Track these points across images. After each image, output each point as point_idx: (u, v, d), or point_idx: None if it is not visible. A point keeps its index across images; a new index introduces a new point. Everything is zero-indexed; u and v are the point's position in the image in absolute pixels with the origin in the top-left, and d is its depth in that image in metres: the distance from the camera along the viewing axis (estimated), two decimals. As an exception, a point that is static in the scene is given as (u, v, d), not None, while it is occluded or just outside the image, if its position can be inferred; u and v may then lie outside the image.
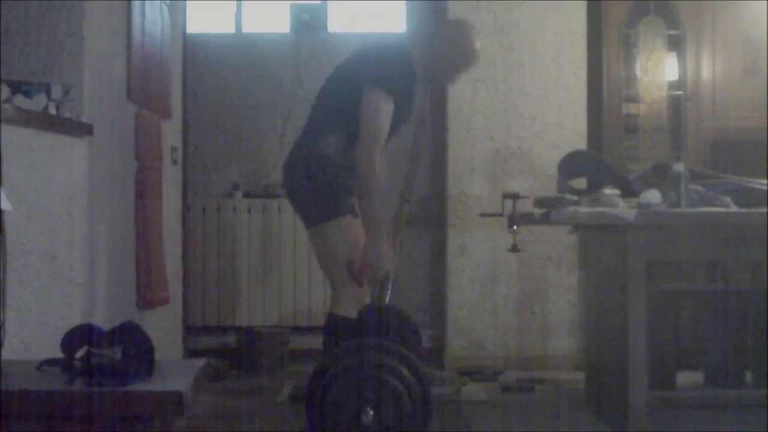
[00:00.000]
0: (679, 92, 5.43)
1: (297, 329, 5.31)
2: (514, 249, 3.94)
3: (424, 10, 5.68)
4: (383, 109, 3.40)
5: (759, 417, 3.67)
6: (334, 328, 3.48)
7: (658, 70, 5.41)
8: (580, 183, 4.38)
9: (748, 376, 4.14)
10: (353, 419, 3.11)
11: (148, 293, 4.16)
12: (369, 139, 3.38)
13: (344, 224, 3.45)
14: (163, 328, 4.54)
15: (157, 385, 1.96)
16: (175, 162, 4.88)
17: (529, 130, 5.14)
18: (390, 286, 3.72)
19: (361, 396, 3.11)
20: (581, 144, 5.07)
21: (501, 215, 4.01)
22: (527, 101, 5.14)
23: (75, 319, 3.09)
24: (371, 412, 3.10)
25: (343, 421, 3.12)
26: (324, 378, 3.18)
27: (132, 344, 2.03)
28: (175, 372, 2.11)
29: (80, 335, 2.10)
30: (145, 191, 4.16)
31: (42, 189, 3.04)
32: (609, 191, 3.70)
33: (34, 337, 2.92)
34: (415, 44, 3.68)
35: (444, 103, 5.22)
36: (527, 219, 3.92)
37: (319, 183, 3.47)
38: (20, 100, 3.04)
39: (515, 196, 3.94)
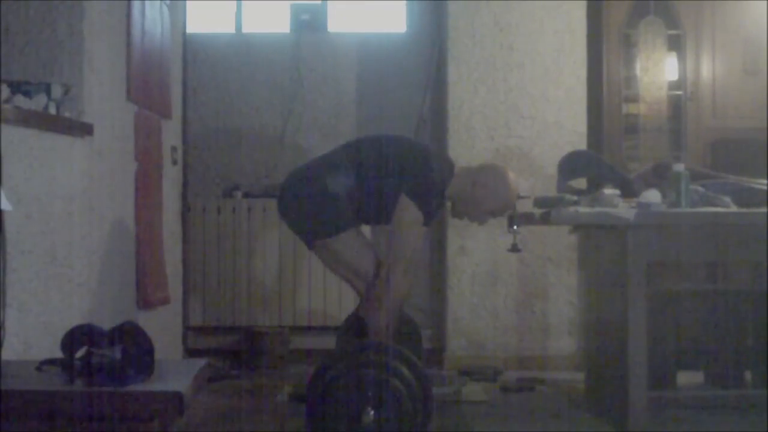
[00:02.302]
0: (679, 92, 5.43)
1: (297, 329, 5.31)
2: (514, 249, 3.94)
3: (424, 10, 5.68)
4: (417, 228, 3.56)
5: (759, 417, 3.67)
6: (361, 330, 3.62)
7: (658, 70, 5.41)
8: (580, 183, 4.37)
9: (748, 376, 4.14)
10: (353, 419, 3.11)
11: (148, 293, 4.16)
12: (397, 255, 3.54)
13: (348, 237, 3.60)
14: (163, 328, 4.54)
15: (157, 385, 1.96)
16: (175, 162, 4.88)
17: (529, 130, 5.13)
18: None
19: (362, 396, 3.12)
20: (581, 144, 5.07)
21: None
22: (527, 101, 5.14)
23: (75, 319, 3.08)
24: (371, 412, 3.10)
25: (344, 421, 3.12)
26: (324, 378, 3.18)
27: (132, 344, 2.03)
28: (175, 372, 2.11)
29: (80, 335, 2.10)
30: (145, 191, 4.16)
31: (42, 189, 3.04)
32: (609, 191, 3.70)
33: (34, 337, 2.93)
34: (459, 173, 3.77)
35: (444, 103, 5.23)
36: (527, 219, 3.92)
37: (320, 206, 3.59)
38: (20, 100, 3.05)
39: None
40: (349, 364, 3.19)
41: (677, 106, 5.43)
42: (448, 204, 3.84)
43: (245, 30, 5.82)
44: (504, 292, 5.11)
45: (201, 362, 2.24)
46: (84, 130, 3.35)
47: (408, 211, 3.54)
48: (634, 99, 5.43)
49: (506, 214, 3.83)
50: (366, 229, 4.01)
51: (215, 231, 5.39)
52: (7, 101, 2.96)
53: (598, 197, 3.69)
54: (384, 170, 3.61)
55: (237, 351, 5.26)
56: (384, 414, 3.11)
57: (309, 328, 5.31)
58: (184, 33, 5.14)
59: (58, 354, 2.10)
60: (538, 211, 3.86)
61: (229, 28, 5.82)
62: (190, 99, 5.36)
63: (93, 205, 3.49)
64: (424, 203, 3.56)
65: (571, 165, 4.17)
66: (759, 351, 4.04)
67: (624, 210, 3.59)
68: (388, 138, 3.86)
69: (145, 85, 4.18)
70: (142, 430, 1.89)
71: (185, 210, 5.16)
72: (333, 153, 3.76)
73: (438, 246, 5.41)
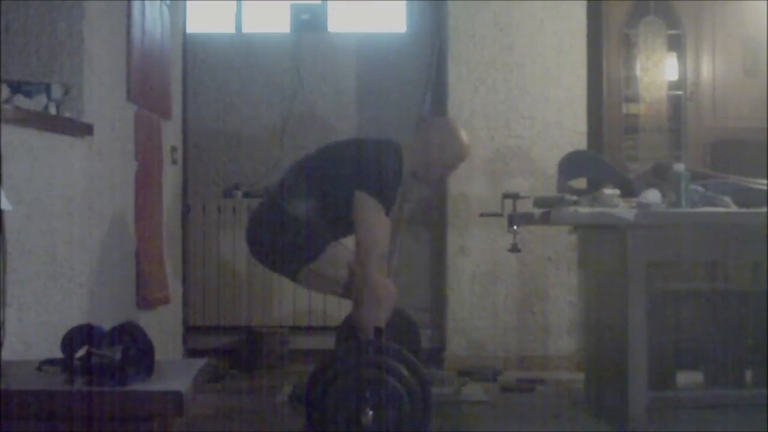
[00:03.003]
0: (679, 92, 5.43)
1: (297, 329, 5.31)
2: (514, 249, 3.94)
3: (424, 10, 5.69)
4: (379, 220, 3.54)
5: (759, 417, 3.67)
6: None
7: (658, 70, 5.41)
8: (580, 183, 4.38)
9: (748, 376, 4.14)
10: (353, 419, 3.11)
11: (148, 293, 4.15)
12: (366, 251, 3.52)
13: (327, 256, 3.59)
14: (163, 328, 4.54)
15: (157, 385, 1.96)
16: (175, 162, 4.88)
17: (529, 130, 5.14)
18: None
19: (361, 396, 3.12)
20: (581, 144, 5.07)
21: (501, 215, 4.01)
22: (527, 101, 5.14)
23: (75, 319, 3.08)
24: (371, 413, 3.10)
25: (343, 421, 3.12)
26: (323, 378, 3.18)
27: (132, 344, 2.03)
28: (175, 372, 2.11)
29: (80, 335, 2.10)
30: (145, 191, 4.16)
31: (42, 189, 3.04)
32: (609, 191, 3.70)
33: (34, 337, 2.92)
34: (408, 146, 3.75)
35: (444, 103, 5.23)
36: (527, 219, 3.92)
37: (292, 237, 3.59)
38: (20, 100, 3.05)
39: (515, 196, 3.94)
40: (348, 364, 3.19)
41: (677, 106, 5.43)
42: (416, 180, 3.83)
43: (245, 30, 5.82)
44: (504, 292, 5.11)
45: (201, 362, 2.24)
46: (84, 130, 3.35)
47: (366, 205, 3.52)
48: (634, 99, 5.43)
49: (462, 162, 3.82)
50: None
51: (215, 231, 5.39)
52: (7, 101, 2.96)
53: (598, 197, 3.69)
54: (336, 178, 3.60)
55: (237, 351, 5.26)
56: (383, 414, 3.11)
57: (309, 328, 5.31)
58: (184, 33, 5.14)
59: (58, 354, 2.10)
60: (538, 211, 3.86)
61: (229, 28, 5.82)
62: (190, 99, 5.36)
63: (93, 205, 3.48)
64: (381, 193, 3.54)
65: (571, 165, 4.17)
66: (759, 351, 4.04)
67: (624, 210, 3.59)
68: (331, 146, 3.85)
69: (145, 85, 4.18)
70: (142, 430, 1.89)
71: (185, 210, 5.16)
72: (285, 180, 3.73)
73: (438, 246, 5.41)
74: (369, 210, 3.52)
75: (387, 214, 3.63)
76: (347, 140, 3.98)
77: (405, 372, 3.17)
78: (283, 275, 3.79)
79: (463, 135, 3.77)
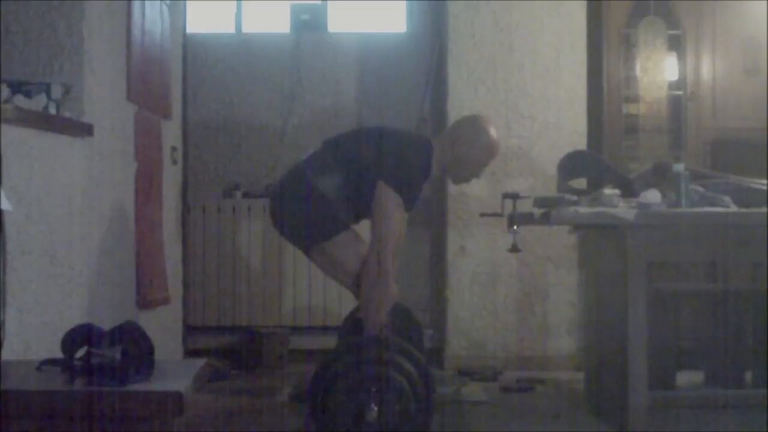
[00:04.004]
0: (679, 92, 5.43)
1: (297, 329, 5.31)
2: (514, 249, 3.94)
3: (424, 10, 5.69)
4: (396, 214, 3.52)
5: (759, 417, 3.67)
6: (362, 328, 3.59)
7: (658, 70, 5.41)
8: (580, 183, 4.37)
9: (748, 376, 4.14)
10: (356, 415, 3.10)
11: (148, 293, 4.15)
12: (381, 241, 3.50)
13: (344, 238, 3.58)
14: (163, 328, 4.54)
15: (157, 385, 1.96)
16: (175, 162, 4.88)
17: (529, 130, 5.14)
18: None
19: (365, 392, 3.11)
20: (581, 144, 5.07)
21: (501, 215, 4.01)
22: (527, 101, 5.14)
23: (75, 319, 3.08)
24: (375, 409, 3.09)
25: (347, 417, 3.12)
26: (326, 374, 3.17)
27: (132, 344, 2.03)
28: (175, 372, 2.11)
29: (80, 335, 2.10)
30: (145, 191, 4.16)
31: (42, 189, 3.04)
32: (609, 191, 3.70)
33: (34, 337, 2.93)
34: (438, 143, 3.73)
35: (444, 103, 5.23)
36: (527, 219, 3.92)
37: (314, 211, 3.58)
38: (20, 100, 3.05)
39: (515, 196, 3.94)
40: (352, 360, 3.18)
41: (677, 106, 5.42)
42: (447, 179, 3.80)
43: (245, 30, 5.82)
44: (504, 292, 5.11)
45: (201, 362, 2.24)
46: (84, 130, 3.35)
47: (386, 197, 3.50)
48: (634, 99, 5.42)
49: (494, 159, 3.80)
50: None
51: (215, 231, 5.39)
52: (7, 101, 2.96)
53: (598, 197, 3.68)
54: (363, 161, 3.58)
55: (237, 351, 5.26)
56: (387, 410, 3.10)
57: (309, 328, 5.31)
58: (184, 33, 5.14)
59: (58, 354, 2.10)
60: (538, 211, 3.86)
61: (229, 28, 5.83)
62: (190, 99, 5.36)
63: (93, 205, 3.48)
64: (403, 188, 3.52)
65: (571, 165, 4.17)
66: (759, 351, 4.04)
67: (624, 210, 3.58)
68: (365, 130, 3.84)
69: (145, 85, 4.18)
70: (142, 430, 1.89)
71: (185, 210, 5.16)
72: (316, 155, 3.72)
73: (438, 246, 5.41)
74: (388, 201, 3.50)
75: (409, 210, 3.62)
76: (382, 127, 3.94)
77: (408, 367, 3.16)
78: (297, 247, 3.77)
79: (493, 131, 3.72)
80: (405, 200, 3.54)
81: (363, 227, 3.73)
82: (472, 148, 3.67)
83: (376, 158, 3.57)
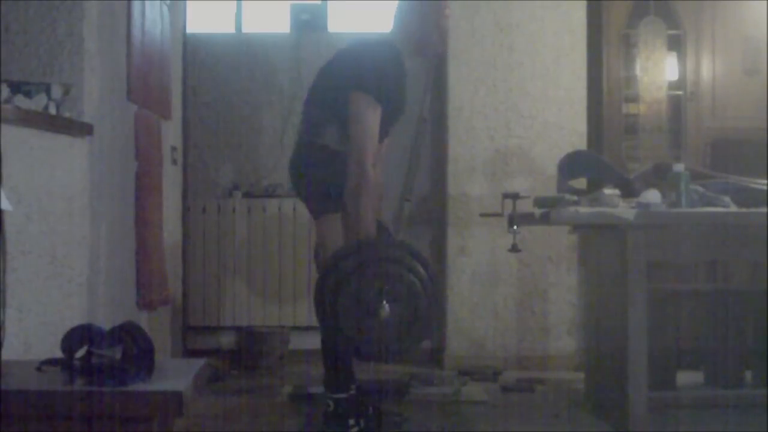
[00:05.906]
0: (679, 92, 5.43)
1: (297, 329, 5.31)
2: (514, 249, 3.94)
3: (424, 10, 5.68)
4: (370, 116, 3.41)
5: (759, 417, 3.67)
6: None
7: (658, 70, 5.41)
8: (580, 183, 4.37)
9: (748, 376, 4.14)
10: (369, 313, 3.05)
11: (148, 293, 4.16)
12: (357, 148, 3.39)
13: (331, 220, 3.51)
14: (163, 328, 4.54)
15: (157, 385, 1.96)
16: (175, 162, 4.88)
17: (529, 130, 5.14)
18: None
19: (379, 290, 3.06)
20: (581, 144, 5.08)
21: (501, 215, 4.01)
22: (527, 101, 5.14)
23: (75, 319, 3.09)
24: (387, 306, 3.04)
25: (358, 315, 3.07)
26: (336, 273, 3.11)
27: (132, 344, 2.03)
28: (175, 372, 2.11)
29: (80, 335, 2.10)
30: (145, 191, 4.16)
31: (42, 189, 3.04)
32: (609, 191, 3.70)
33: (34, 337, 2.93)
34: (394, 34, 3.67)
35: (444, 103, 5.23)
36: (527, 219, 3.92)
37: (324, 176, 3.51)
38: (20, 100, 3.05)
39: (515, 196, 3.94)
40: (364, 258, 3.12)
41: (677, 106, 5.43)
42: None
43: (245, 30, 5.82)
44: (504, 292, 5.11)
45: (201, 362, 2.24)
46: (84, 130, 3.35)
47: (359, 102, 3.41)
48: (634, 99, 5.43)
49: (440, 44, 3.75)
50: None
51: (215, 231, 5.39)
52: (7, 101, 2.96)
53: (598, 197, 3.69)
54: (336, 89, 3.50)
55: (237, 351, 5.26)
56: (399, 308, 3.07)
57: (309, 328, 5.30)
58: (184, 33, 5.15)
59: (58, 354, 2.10)
60: (538, 211, 3.86)
61: (229, 28, 5.82)
62: (190, 99, 5.37)
63: (93, 205, 3.49)
64: (377, 89, 3.42)
65: (571, 165, 4.17)
66: (759, 351, 4.05)
67: (624, 210, 3.59)
68: (326, 63, 3.74)
69: (145, 85, 4.18)
70: (142, 430, 1.89)
71: (185, 210, 5.16)
72: (303, 115, 3.66)
73: (438, 246, 5.41)
74: (362, 106, 3.40)
75: (394, 117, 3.56)
76: (340, 50, 3.82)
77: (420, 268, 3.12)
78: (308, 210, 3.72)
79: (445, 17, 3.63)
80: (384, 103, 3.44)
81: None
82: (421, 19, 3.61)
83: (346, 76, 3.49)
